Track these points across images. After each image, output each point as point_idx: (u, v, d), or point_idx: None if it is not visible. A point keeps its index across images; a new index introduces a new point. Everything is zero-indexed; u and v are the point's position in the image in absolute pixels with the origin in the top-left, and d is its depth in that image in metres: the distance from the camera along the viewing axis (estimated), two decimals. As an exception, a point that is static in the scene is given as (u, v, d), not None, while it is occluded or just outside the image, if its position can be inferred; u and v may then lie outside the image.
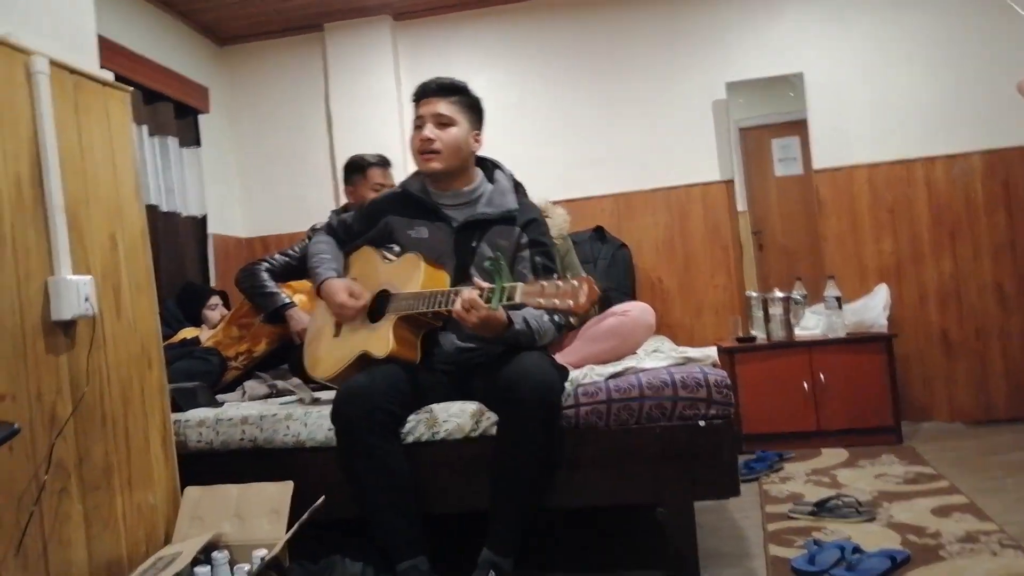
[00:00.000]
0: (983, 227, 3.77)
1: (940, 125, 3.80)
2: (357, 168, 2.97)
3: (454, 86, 2.13)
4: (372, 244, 2.23)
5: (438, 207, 2.14)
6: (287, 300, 2.79)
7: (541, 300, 1.71)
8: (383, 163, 2.98)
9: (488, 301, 1.79)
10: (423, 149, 2.08)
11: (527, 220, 2.12)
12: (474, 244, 2.09)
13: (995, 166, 3.75)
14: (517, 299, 1.74)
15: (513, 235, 2.10)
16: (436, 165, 2.09)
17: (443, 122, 2.08)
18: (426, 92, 2.12)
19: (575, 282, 1.68)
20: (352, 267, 2.26)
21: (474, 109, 2.15)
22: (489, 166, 2.22)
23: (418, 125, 2.11)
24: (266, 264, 2.88)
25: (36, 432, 1.52)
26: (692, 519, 1.98)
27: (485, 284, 1.83)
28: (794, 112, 3.93)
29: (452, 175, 2.12)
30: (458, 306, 1.83)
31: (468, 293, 1.82)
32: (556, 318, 2.04)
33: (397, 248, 2.17)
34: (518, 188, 2.21)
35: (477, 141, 2.16)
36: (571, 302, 1.67)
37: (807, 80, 3.89)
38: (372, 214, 2.24)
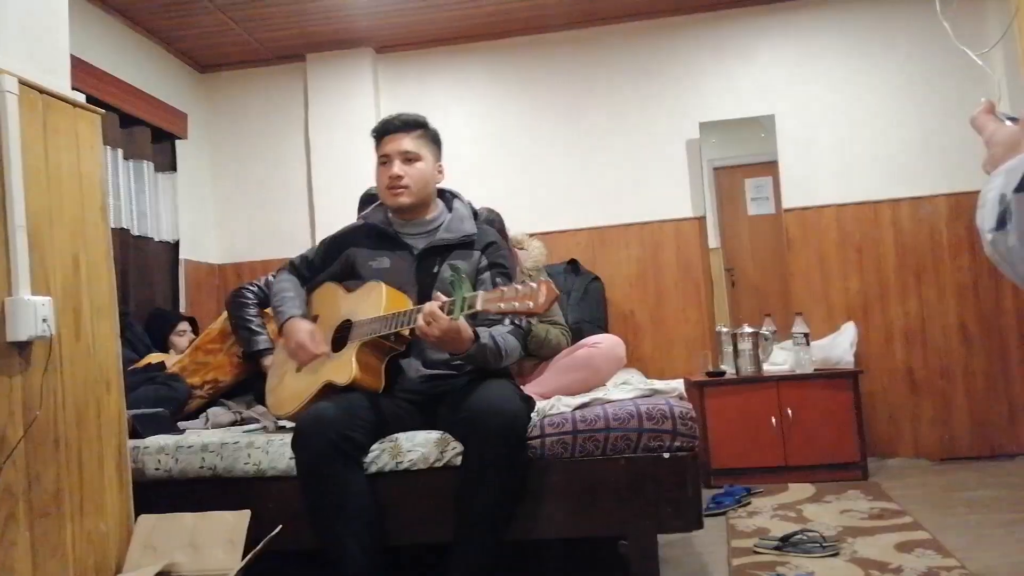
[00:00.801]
0: (947, 268, 3.86)
1: (906, 168, 3.90)
2: (372, 202, 2.95)
3: (417, 121, 2.17)
4: (335, 278, 2.24)
5: (398, 235, 2.16)
6: (266, 346, 2.72)
7: (502, 305, 1.72)
8: None
9: (450, 313, 1.79)
10: (392, 185, 2.11)
11: (486, 243, 2.15)
12: (435, 270, 2.11)
13: (960, 209, 3.84)
14: (479, 307, 1.75)
15: (473, 258, 2.12)
16: (405, 200, 2.11)
17: (410, 158, 2.12)
18: (390, 129, 2.15)
19: (533, 284, 1.70)
20: (314, 303, 2.26)
21: (435, 142, 2.19)
22: (448, 196, 2.25)
23: (383, 162, 2.14)
24: (255, 289, 2.84)
25: (-15, 454, 1.48)
26: (656, 552, 1.97)
27: (445, 297, 1.84)
28: (766, 153, 4.01)
29: (417, 207, 2.15)
30: (420, 321, 1.83)
31: (429, 307, 1.82)
32: (521, 324, 2.04)
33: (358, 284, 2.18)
34: (476, 215, 2.24)
35: (440, 173, 2.20)
36: (531, 303, 1.68)
37: (778, 122, 3.98)
38: (333, 248, 2.26)
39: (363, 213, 2.31)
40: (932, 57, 3.86)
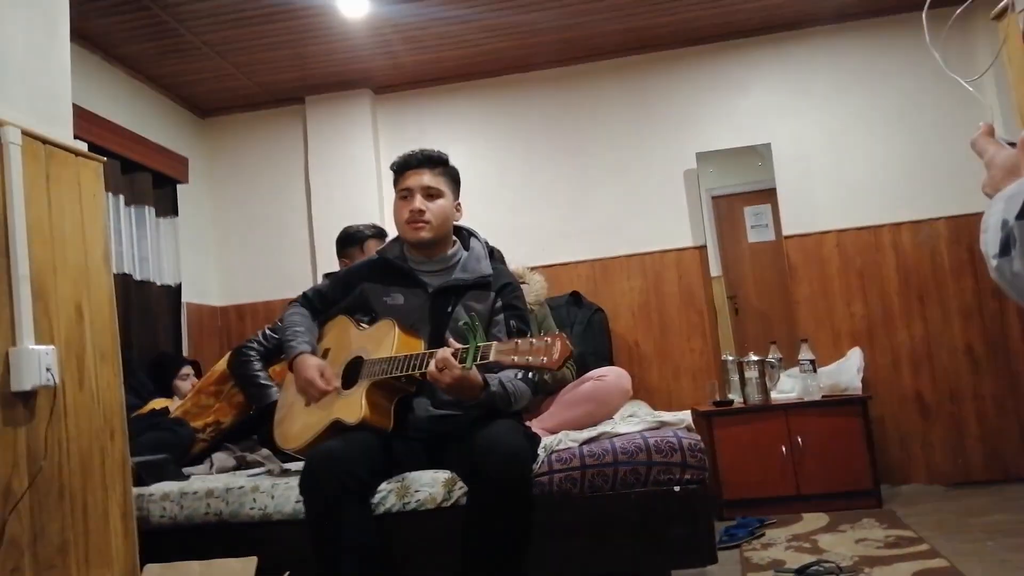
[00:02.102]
0: (951, 291, 3.85)
1: (904, 192, 3.92)
2: (353, 240, 2.95)
3: (440, 158, 2.17)
4: (347, 312, 2.23)
5: (414, 272, 2.15)
6: (277, 397, 2.70)
7: (515, 358, 1.71)
8: (379, 234, 2.97)
9: (462, 361, 1.78)
10: (413, 220, 2.10)
11: (501, 285, 2.14)
12: (450, 309, 2.09)
13: (960, 231, 3.85)
14: (491, 358, 1.74)
15: (488, 299, 2.11)
16: (426, 235, 2.10)
17: (431, 193, 2.11)
18: (411, 164, 2.14)
19: (548, 339, 1.69)
20: (326, 336, 2.25)
21: (455, 180, 2.20)
22: (465, 234, 2.25)
23: (404, 196, 2.13)
24: (256, 345, 2.82)
25: (-12, 508, 1.47)
26: (670, 589, 1.94)
27: (459, 345, 1.83)
28: (764, 181, 4.03)
29: (436, 244, 2.15)
30: (432, 367, 1.82)
31: (442, 353, 1.82)
32: (531, 376, 2.03)
33: (370, 318, 2.17)
34: (493, 254, 2.24)
35: (458, 211, 2.20)
36: (544, 358, 1.67)
37: (775, 150, 4.01)
38: (348, 282, 2.25)
39: (379, 248, 2.31)
40: (923, 84, 3.89)
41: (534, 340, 1.71)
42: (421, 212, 2.09)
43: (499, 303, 2.11)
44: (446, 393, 1.91)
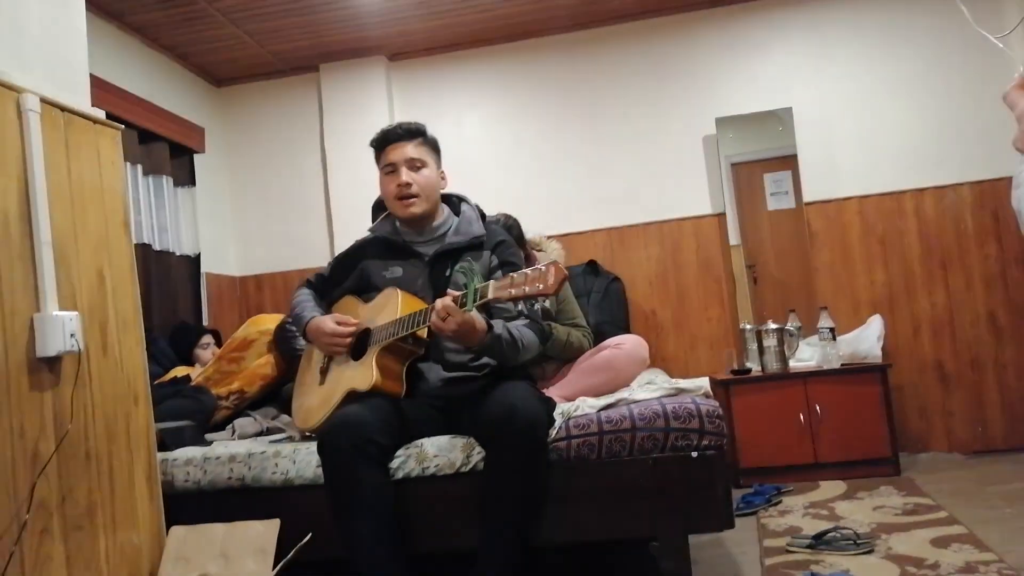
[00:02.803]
0: (974, 258, 3.79)
1: (928, 157, 3.85)
2: (385, 209, 2.97)
3: (418, 129, 2.17)
4: (351, 292, 2.25)
5: (409, 245, 2.17)
6: None
7: (512, 291, 1.72)
8: None
9: (463, 306, 1.79)
10: (402, 195, 2.11)
11: (496, 242, 2.16)
12: (448, 273, 2.11)
13: (984, 197, 3.78)
14: (490, 295, 1.75)
15: (484, 258, 2.12)
16: (416, 209, 2.12)
17: (416, 165, 2.12)
18: (391, 137, 2.14)
19: (542, 267, 1.69)
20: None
21: (436, 149, 2.20)
22: (455, 200, 2.25)
23: (389, 171, 2.14)
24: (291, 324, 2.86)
25: (18, 470, 1.50)
26: (687, 553, 1.94)
27: (457, 292, 1.83)
28: (784, 147, 3.97)
29: (426, 215, 2.15)
30: (434, 317, 1.83)
31: (441, 302, 1.83)
32: (536, 308, 2.02)
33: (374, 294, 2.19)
34: (484, 216, 2.24)
35: (444, 179, 2.20)
36: (540, 285, 1.68)
37: (796, 115, 3.94)
38: (347, 262, 2.27)
39: (370, 226, 2.32)
40: (951, 43, 3.80)
41: (528, 271, 1.71)
42: (408, 185, 2.10)
43: (495, 260, 2.13)
44: (452, 341, 1.92)
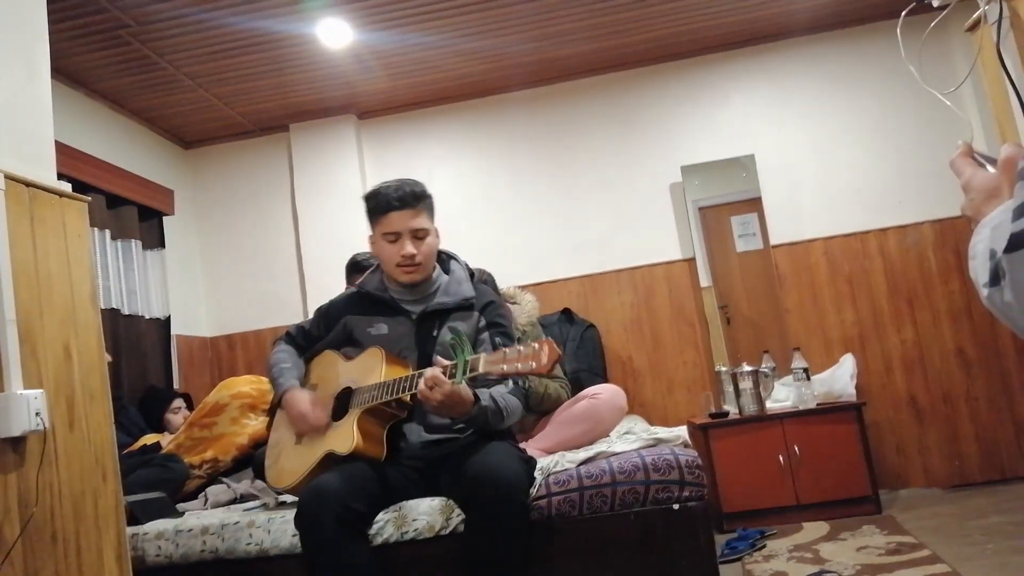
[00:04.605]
0: (939, 294, 3.87)
1: (889, 197, 3.95)
2: (360, 268, 2.96)
3: (422, 194, 2.09)
4: (332, 347, 2.21)
5: (396, 302, 2.14)
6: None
7: (504, 367, 1.70)
8: None
9: (451, 377, 1.77)
10: (405, 263, 2.06)
11: (484, 304, 2.14)
12: (435, 333, 2.08)
13: (945, 235, 3.88)
14: (480, 369, 1.73)
15: (472, 319, 2.10)
16: (418, 277, 2.10)
17: (420, 236, 2.07)
18: (395, 205, 2.04)
19: (535, 345, 1.68)
20: (313, 371, 2.23)
21: (433, 209, 2.14)
22: (444, 258, 2.23)
23: (392, 240, 2.07)
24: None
25: (-20, 557, 1.44)
26: (673, 608, 1.92)
27: (447, 361, 1.82)
28: (749, 190, 4.06)
29: (424, 279, 2.13)
30: (422, 385, 1.81)
31: (431, 371, 1.81)
32: (522, 385, 2.01)
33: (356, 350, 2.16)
34: (473, 276, 2.23)
35: (438, 238, 2.17)
36: (533, 364, 1.66)
37: (758, 161, 4.04)
38: (330, 316, 2.23)
39: (358, 281, 2.30)
40: (902, 94, 3.92)
41: (521, 347, 1.70)
42: (413, 256, 2.05)
43: (483, 322, 2.11)
44: (437, 412, 1.89)
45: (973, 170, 0.86)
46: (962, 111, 3.77)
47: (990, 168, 0.86)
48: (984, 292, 0.74)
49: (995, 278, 0.71)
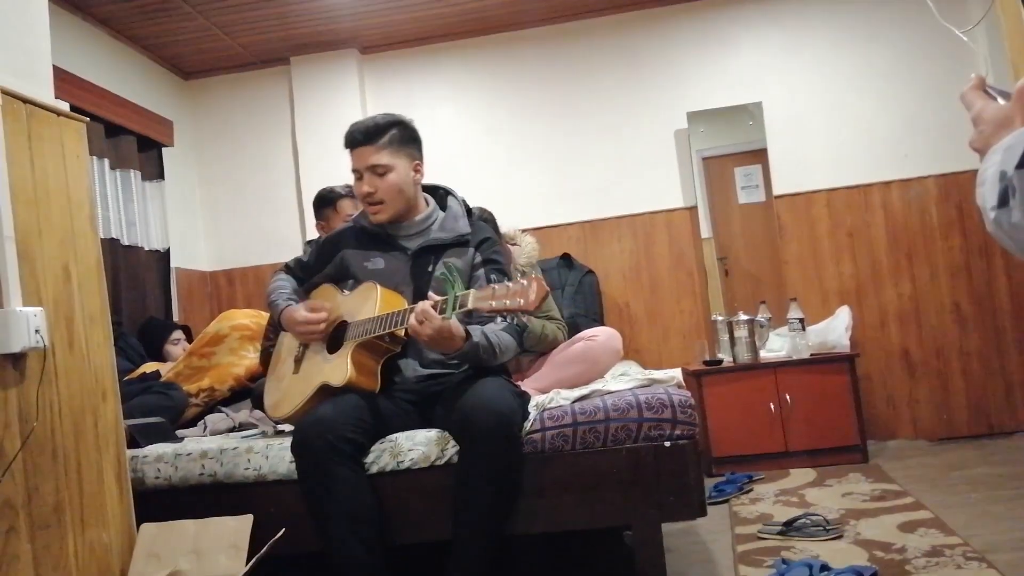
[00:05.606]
0: (939, 249, 3.87)
1: (894, 150, 3.91)
2: (327, 201, 2.94)
3: (381, 127, 2.07)
4: (330, 280, 2.22)
5: (392, 237, 2.14)
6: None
7: (493, 303, 1.71)
8: (352, 193, 2.96)
9: (442, 312, 1.78)
10: (367, 201, 2.08)
11: (480, 240, 2.13)
12: (430, 268, 2.09)
13: (949, 189, 3.86)
14: (470, 305, 1.74)
15: (467, 255, 2.10)
16: (382, 216, 2.09)
17: (379, 172, 2.05)
18: (353, 142, 2.06)
19: (524, 281, 1.69)
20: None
21: (409, 141, 2.10)
22: (441, 193, 2.22)
23: (357, 176, 2.09)
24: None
25: (-18, 469, 1.47)
26: (660, 542, 1.96)
27: (438, 296, 1.83)
28: (754, 141, 4.02)
29: (400, 215, 2.12)
30: (412, 319, 1.82)
31: (421, 305, 1.82)
32: (514, 322, 2.02)
33: (353, 284, 2.17)
34: (470, 212, 2.22)
35: (419, 172, 2.13)
36: (521, 300, 1.67)
37: (766, 109, 3.99)
38: (327, 250, 2.23)
39: (354, 216, 2.29)
40: (916, 37, 3.86)
41: (510, 284, 1.71)
42: (371, 193, 2.06)
43: (478, 258, 2.11)
44: (428, 346, 1.90)
45: (984, 102, 0.85)
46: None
47: (1001, 101, 0.85)
48: (991, 216, 0.74)
49: (1004, 198, 0.71)
